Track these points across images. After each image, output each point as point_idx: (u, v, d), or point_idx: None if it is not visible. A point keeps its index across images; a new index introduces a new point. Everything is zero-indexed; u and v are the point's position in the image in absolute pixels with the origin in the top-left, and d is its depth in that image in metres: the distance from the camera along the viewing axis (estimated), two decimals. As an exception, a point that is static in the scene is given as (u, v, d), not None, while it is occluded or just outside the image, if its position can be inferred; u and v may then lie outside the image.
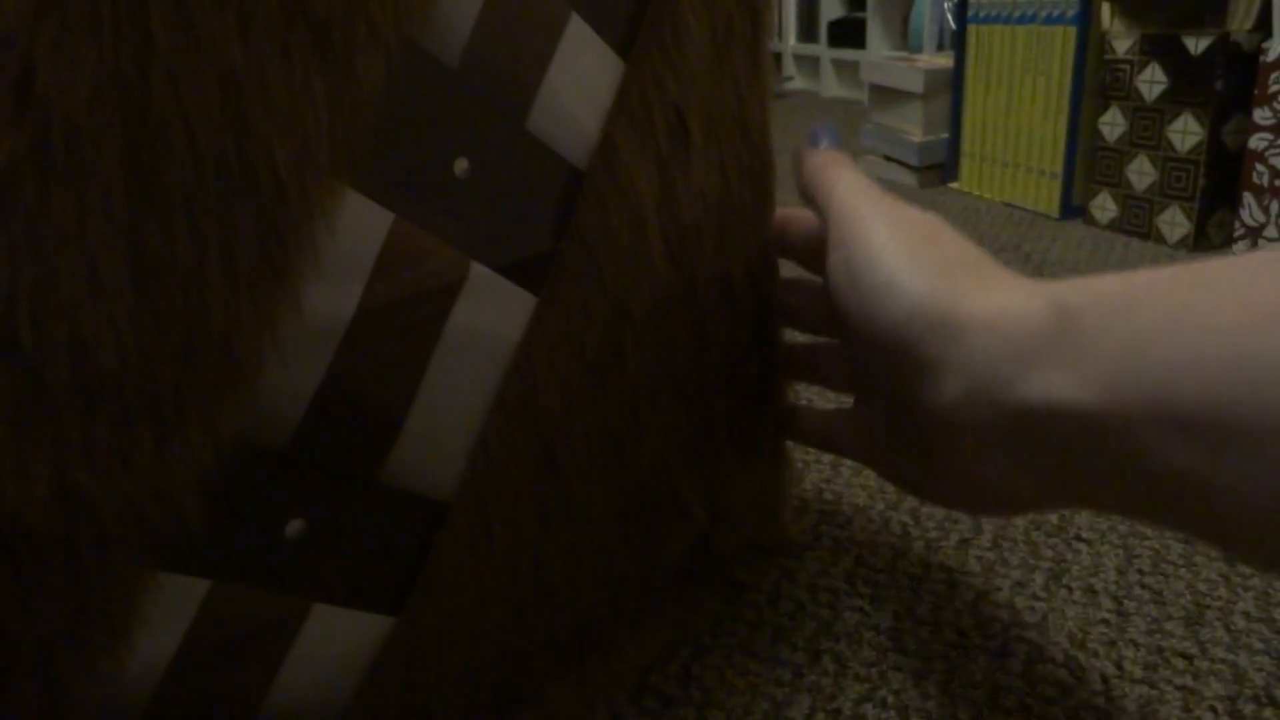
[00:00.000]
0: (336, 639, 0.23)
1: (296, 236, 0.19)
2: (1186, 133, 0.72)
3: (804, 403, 0.45)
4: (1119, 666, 0.30)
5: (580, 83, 0.25)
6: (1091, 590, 0.34)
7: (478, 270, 0.23)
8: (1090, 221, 0.83)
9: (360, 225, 0.20)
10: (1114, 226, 0.81)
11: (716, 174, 0.29)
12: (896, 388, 0.24)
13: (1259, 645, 0.31)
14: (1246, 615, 0.32)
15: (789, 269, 0.32)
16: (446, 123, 0.22)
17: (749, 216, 0.30)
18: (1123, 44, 0.77)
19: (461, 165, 0.22)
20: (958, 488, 0.24)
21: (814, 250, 0.28)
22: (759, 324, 0.32)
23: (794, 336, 0.33)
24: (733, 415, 0.32)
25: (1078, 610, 0.33)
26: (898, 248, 0.24)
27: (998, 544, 0.37)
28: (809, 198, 0.29)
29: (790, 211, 0.32)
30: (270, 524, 0.21)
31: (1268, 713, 0.28)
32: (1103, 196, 0.81)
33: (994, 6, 0.91)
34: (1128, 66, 0.77)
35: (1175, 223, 0.75)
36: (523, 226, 0.24)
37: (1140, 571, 0.34)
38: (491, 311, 0.24)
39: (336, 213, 0.20)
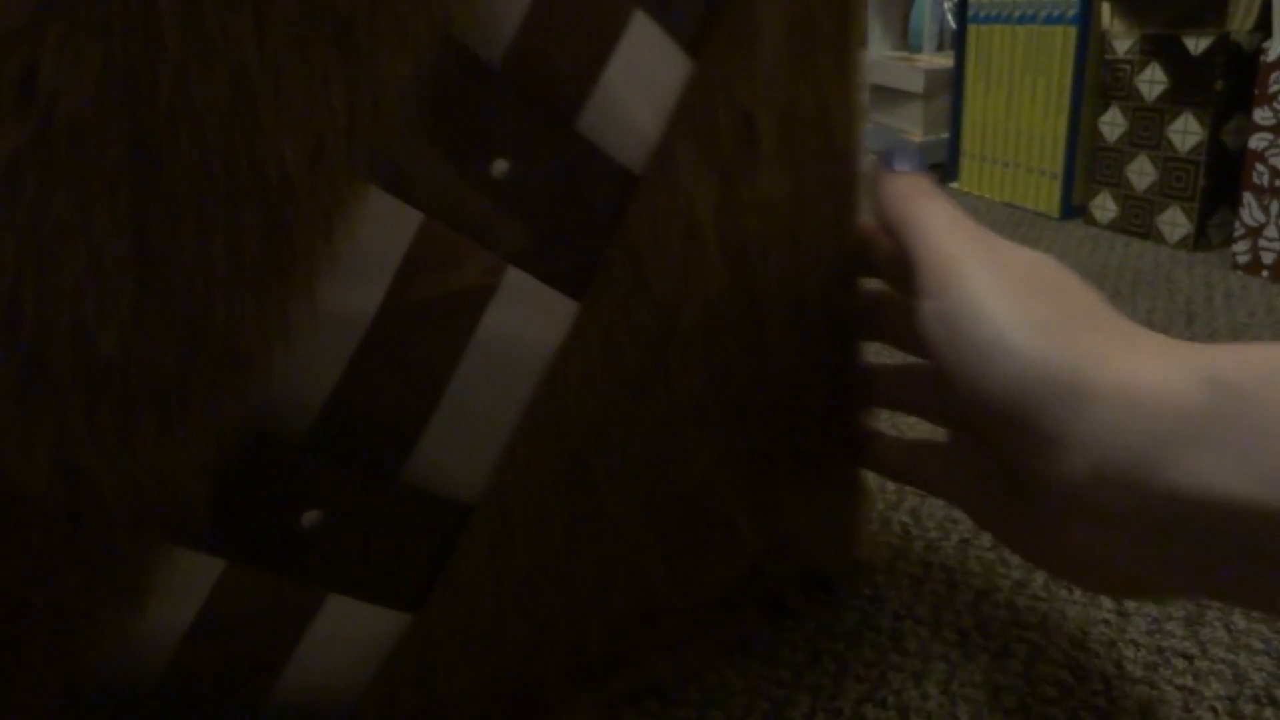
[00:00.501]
0: (351, 630, 0.23)
1: (307, 234, 0.19)
2: (1187, 133, 0.72)
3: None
4: (1119, 666, 0.30)
5: (641, 83, 0.23)
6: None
7: (513, 274, 0.22)
8: (1090, 221, 0.83)
9: (385, 225, 0.20)
10: (1114, 226, 0.81)
11: (790, 183, 0.27)
12: (1007, 455, 0.22)
13: (1259, 645, 0.31)
14: (1247, 615, 0.32)
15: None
16: (484, 122, 0.21)
17: (826, 230, 0.28)
18: (1123, 44, 0.77)
19: (500, 166, 0.22)
20: (1073, 563, 0.22)
21: (904, 272, 0.25)
22: (832, 345, 0.29)
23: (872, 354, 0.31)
24: (795, 440, 0.30)
25: (1078, 610, 0.33)
26: (1006, 300, 0.21)
27: (998, 544, 0.37)
28: (890, 230, 0.26)
29: (874, 226, 0.28)
30: (285, 513, 0.21)
31: (1268, 713, 0.28)
32: (1103, 196, 0.81)
33: (994, 6, 0.91)
34: (1128, 66, 0.77)
35: (1175, 223, 0.75)
36: (566, 231, 0.23)
37: (1140, 571, 0.35)
38: (527, 317, 0.23)
39: (356, 212, 0.20)
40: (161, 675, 0.21)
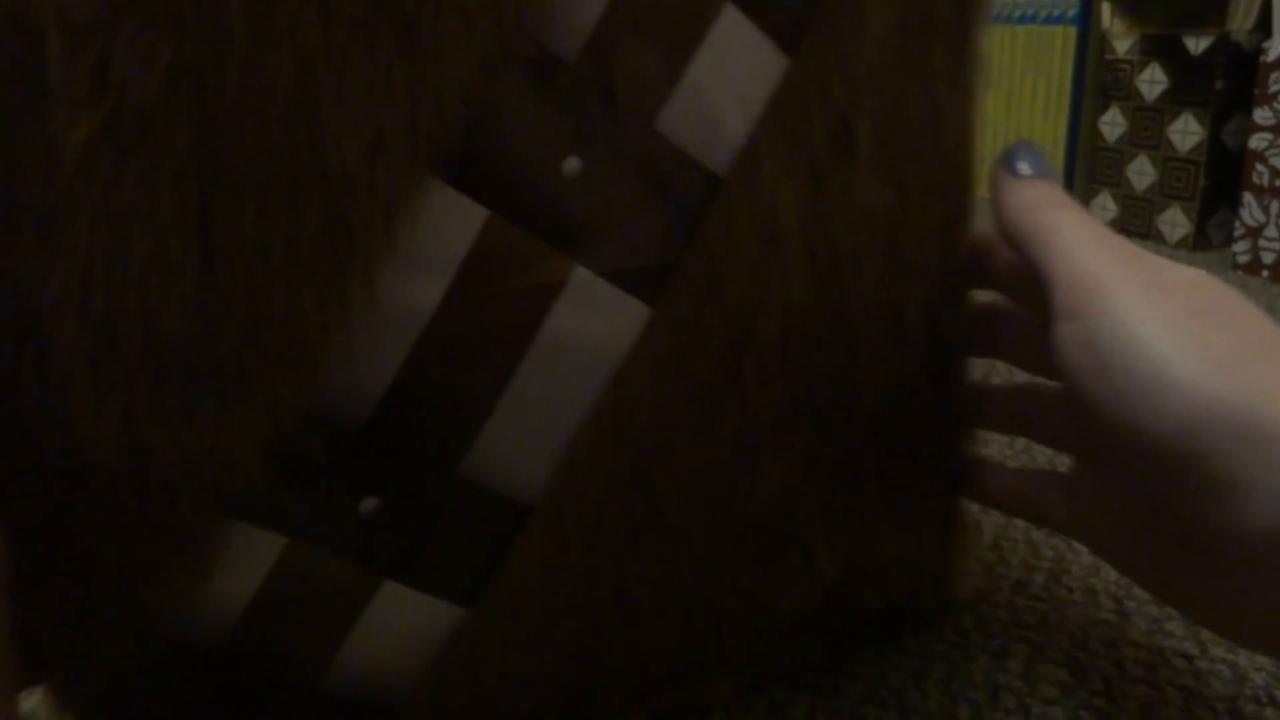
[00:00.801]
0: (405, 617, 0.23)
1: (366, 227, 0.19)
2: (1187, 133, 0.72)
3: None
4: (1119, 666, 0.30)
5: (728, 81, 0.22)
6: (1091, 590, 0.34)
7: (581, 275, 0.22)
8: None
9: (448, 220, 0.20)
10: (1114, 226, 0.81)
11: (891, 190, 0.25)
12: (1167, 499, 0.20)
13: (1259, 645, 0.31)
14: (1246, 615, 0.32)
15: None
16: (556, 119, 0.21)
17: (931, 240, 0.26)
18: (1123, 44, 0.77)
19: (572, 164, 0.21)
20: (1253, 627, 0.20)
21: (1027, 286, 0.23)
22: (935, 364, 0.27)
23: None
24: (887, 464, 0.28)
25: (1078, 610, 0.33)
26: (1166, 328, 0.19)
27: (998, 544, 0.37)
28: (1017, 244, 0.24)
29: (991, 234, 0.26)
30: (344, 498, 0.21)
31: (1268, 713, 0.28)
32: (1103, 196, 0.81)
33: (994, 6, 0.91)
34: (1128, 66, 0.77)
35: (1175, 223, 0.75)
36: (640, 232, 0.23)
37: (1140, 571, 0.35)
38: (594, 319, 0.22)
39: (419, 206, 0.20)
40: (225, 641, 0.22)
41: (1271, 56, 0.65)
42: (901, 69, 0.24)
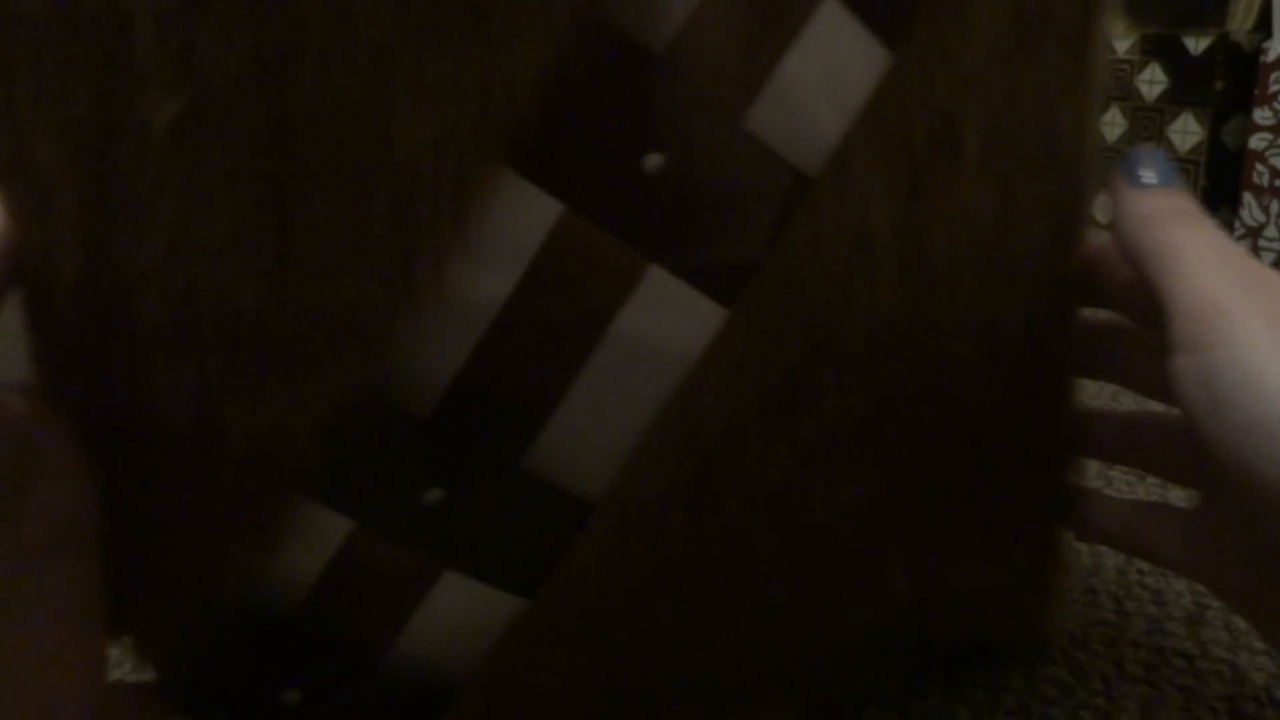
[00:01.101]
0: (465, 606, 0.23)
1: (433, 217, 0.19)
2: (1186, 133, 0.73)
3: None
4: (1119, 666, 0.30)
5: (824, 77, 0.21)
6: (1091, 590, 0.34)
7: (656, 274, 0.21)
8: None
9: (520, 213, 0.20)
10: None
11: (995, 196, 0.23)
12: None
13: (1259, 645, 0.31)
14: (1246, 616, 0.32)
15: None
16: (639, 113, 0.20)
17: (1038, 252, 0.24)
18: (1123, 44, 0.77)
19: (653, 160, 0.21)
20: None
21: (1148, 305, 0.21)
22: (1036, 384, 0.25)
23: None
24: (976, 487, 0.26)
25: (1078, 610, 0.33)
26: None
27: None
28: (1136, 262, 0.22)
29: (1110, 248, 0.24)
30: (409, 487, 0.22)
31: (1268, 713, 0.28)
32: (1104, 196, 0.81)
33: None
34: (1128, 66, 0.77)
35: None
36: (720, 232, 0.22)
37: (1140, 571, 0.35)
38: (667, 319, 0.22)
39: (488, 198, 0.20)
40: (295, 613, 0.22)
41: (1271, 56, 0.65)
42: (1014, 67, 0.22)
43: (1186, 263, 0.20)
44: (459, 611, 0.23)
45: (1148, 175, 0.23)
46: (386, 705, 0.24)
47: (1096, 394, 0.42)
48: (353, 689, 0.23)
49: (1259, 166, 0.67)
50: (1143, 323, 0.25)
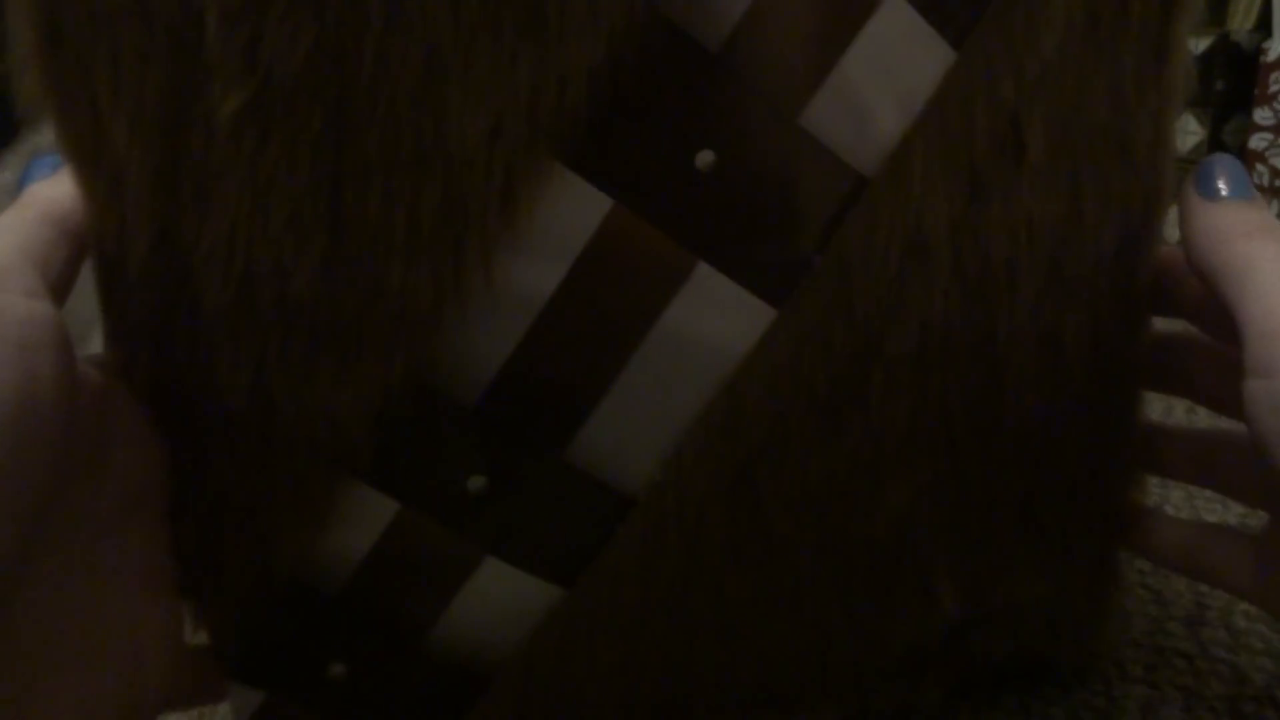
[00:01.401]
0: (506, 593, 0.24)
1: (482, 209, 0.20)
2: (1187, 133, 0.73)
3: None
4: (1119, 666, 0.30)
5: (885, 75, 0.21)
6: (1092, 590, 0.34)
7: (704, 270, 0.21)
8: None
9: (570, 207, 0.20)
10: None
11: (1062, 200, 0.22)
12: None
13: (1259, 645, 0.31)
14: (1247, 615, 0.32)
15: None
16: (692, 110, 0.20)
17: (1106, 259, 0.23)
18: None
19: (705, 158, 0.21)
20: None
21: (1222, 319, 0.21)
22: (1098, 395, 0.25)
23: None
24: (1030, 500, 0.25)
25: (1078, 610, 0.33)
26: None
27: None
28: (1208, 279, 0.21)
29: (1181, 257, 0.23)
30: (455, 473, 0.22)
31: (1268, 712, 0.28)
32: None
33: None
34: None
35: (1176, 222, 0.75)
36: (773, 232, 0.22)
37: (1140, 571, 0.35)
38: (714, 316, 0.22)
39: (538, 191, 0.20)
40: (343, 590, 0.23)
41: (1271, 56, 0.65)
42: (1085, 66, 0.22)
43: (1261, 281, 0.19)
44: (499, 597, 0.24)
45: (1221, 186, 0.22)
46: (427, 684, 0.24)
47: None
48: (395, 667, 0.24)
49: (1259, 166, 0.67)
50: (1217, 337, 0.24)
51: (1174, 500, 0.37)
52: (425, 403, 0.21)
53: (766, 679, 0.26)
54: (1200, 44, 0.71)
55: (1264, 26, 0.71)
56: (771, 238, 0.22)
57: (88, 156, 0.19)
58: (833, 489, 0.24)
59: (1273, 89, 0.66)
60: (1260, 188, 0.67)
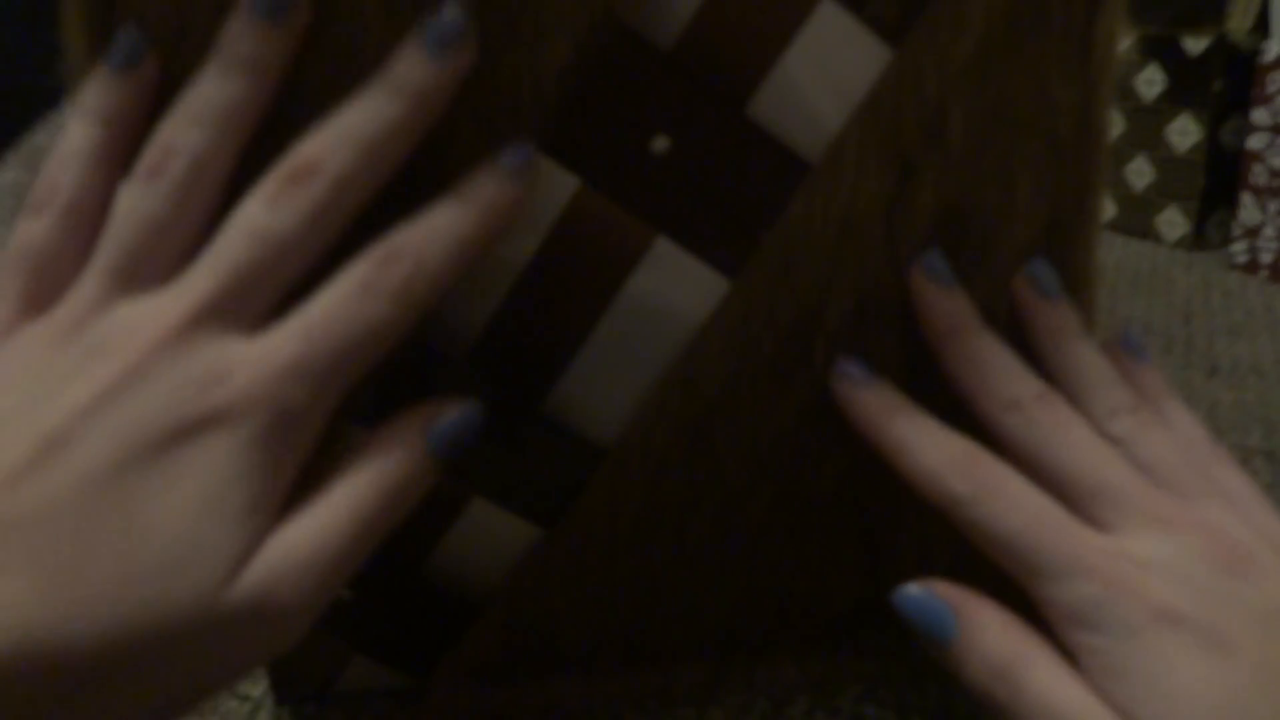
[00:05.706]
0: (491, 530, 0.26)
1: None
2: (1185, 133, 0.73)
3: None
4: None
5: (824, 71, 0.24)
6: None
7: (663, 244, 0.24)
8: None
9: (542, 185, 0.23)
10: (1112, 226, 0.82)
11: (989, 188, 0.25)
12: None
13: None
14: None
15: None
16: (648, 101, 0.24)
17: (1036, 244, 0.26)
18: (1120, 44, 0.77)
19: (661, 143, 0.24)
20: None
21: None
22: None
23: None
24: None
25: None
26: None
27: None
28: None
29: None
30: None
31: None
32: (1102, 196, 0.81)
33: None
34: (1126, 67, 0.77)
35: (1174, 223, 0.75)
36: (723, 210, 0.25)
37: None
38: (672, 286, 0.25)
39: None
40: None
41: (1269, 57, 0.65)
42: (1006, 62, 0.24)
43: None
44: (485, 533, 0.26)
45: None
46: (427, 607, 0.27)
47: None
48: (397, 592, 0.26)
49: (1257, 166, 0.67)
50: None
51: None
52: (418, 355, 0.24)
53: (728, 625, 0.29)
54: (1198, 44, 0.71)
55: (1262, 27, 0.71)
56: (723, 216, 0.25)
57: None
58: (781, 448, 0.27)
59: (1270, 89, 0.66)
60: (1258, 188, 0.67)
